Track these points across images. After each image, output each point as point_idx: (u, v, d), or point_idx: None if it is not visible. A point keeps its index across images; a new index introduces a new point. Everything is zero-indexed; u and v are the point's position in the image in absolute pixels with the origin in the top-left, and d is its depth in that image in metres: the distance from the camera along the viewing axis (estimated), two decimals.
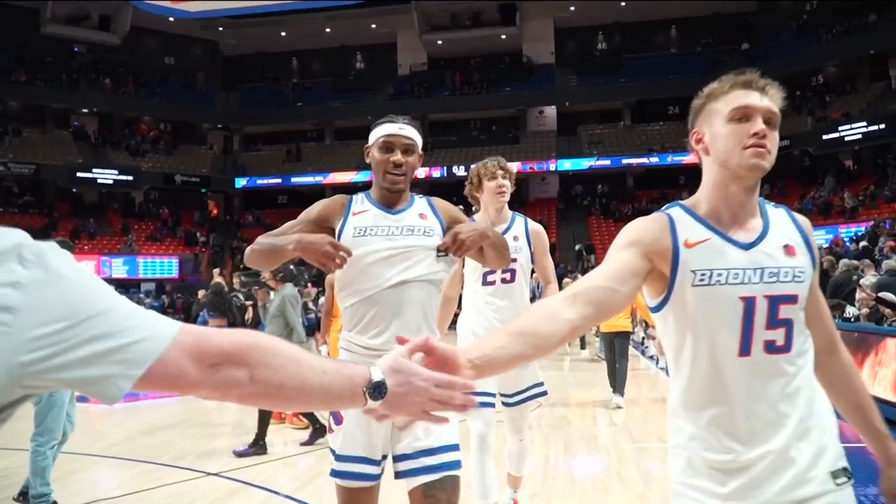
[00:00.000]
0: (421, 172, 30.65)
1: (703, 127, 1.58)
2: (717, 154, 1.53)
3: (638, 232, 1.57)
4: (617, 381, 8.20)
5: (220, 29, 36.44)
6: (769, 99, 1.52)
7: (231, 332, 1.02)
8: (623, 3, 33.60)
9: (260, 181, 35.38)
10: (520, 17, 34.23)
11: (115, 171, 32.73)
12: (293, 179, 34.82)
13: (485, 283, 3.53)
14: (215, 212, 36.81)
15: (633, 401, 8.49)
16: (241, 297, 10.78)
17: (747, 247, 1.51)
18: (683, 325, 1.52)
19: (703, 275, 1.48)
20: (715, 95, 1.56)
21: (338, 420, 2.36)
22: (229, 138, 37.98)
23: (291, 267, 6.75)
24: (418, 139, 2.44)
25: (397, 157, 2.38)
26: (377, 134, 2.43)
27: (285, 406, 1.03)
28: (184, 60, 37.04)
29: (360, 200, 2.47)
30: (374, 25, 35.72)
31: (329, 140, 36.85)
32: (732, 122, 1.51)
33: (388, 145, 2.39)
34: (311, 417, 6.52)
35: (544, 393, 3.70)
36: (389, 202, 2.44)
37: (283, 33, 36.46)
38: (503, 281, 3.50)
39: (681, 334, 1.53)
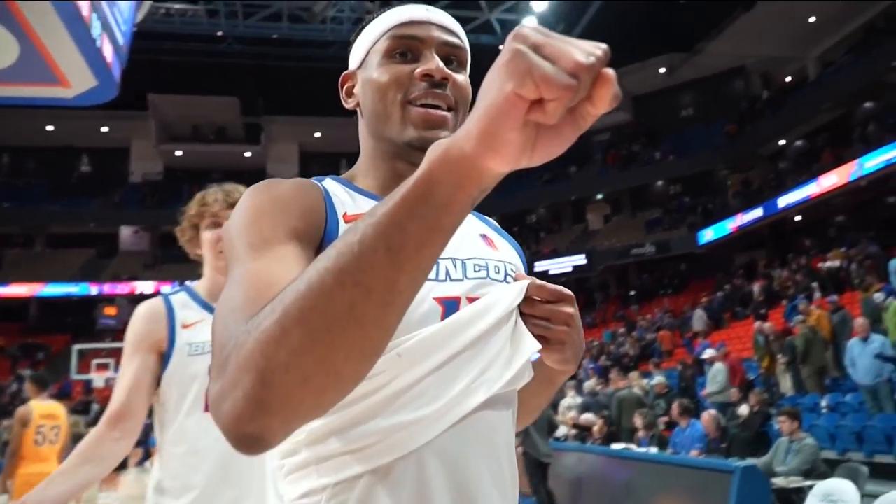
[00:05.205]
0: (149, 288, 28.33)
1: None
2: None
3: None
4: None
5: None
6: None
7: None
8: None
9: None
10: (265, 138, 34.53)
11: None
12: None
13: None
14: None
15: None
16: None
17: None
18: None
19: None
20: None
21: None
22: None
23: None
24: (466, 42, 1.07)
25: (434, 64, 0.99)
26: (381, 25, 1.05)
27: None
28: None
29: (344, 195, 1.01)
30: (105, 129, 33.50)
31: (40, 247, 32.85)
32: None
33: (406, 44, 1.02)
34: None
35: None
36: None
37: None
38: None
39: None
